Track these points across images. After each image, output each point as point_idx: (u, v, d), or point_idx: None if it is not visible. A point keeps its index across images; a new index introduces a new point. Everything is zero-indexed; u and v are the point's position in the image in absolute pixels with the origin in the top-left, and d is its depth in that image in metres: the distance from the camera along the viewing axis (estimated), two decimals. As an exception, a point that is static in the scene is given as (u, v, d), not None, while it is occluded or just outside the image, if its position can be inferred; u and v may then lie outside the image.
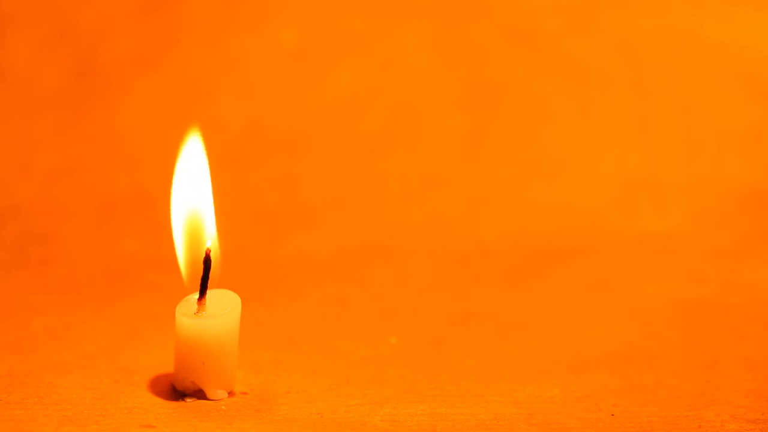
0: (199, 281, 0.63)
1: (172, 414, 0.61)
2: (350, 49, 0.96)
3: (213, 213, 0.64)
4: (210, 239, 0.64)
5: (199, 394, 0.63)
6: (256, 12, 0.96)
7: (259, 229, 0.87)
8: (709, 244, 0.87)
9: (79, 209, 0.87)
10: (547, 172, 0.93)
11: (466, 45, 0.96)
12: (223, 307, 0.63)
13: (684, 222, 0.90)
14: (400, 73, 0.96)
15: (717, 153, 0.94)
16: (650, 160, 0.93)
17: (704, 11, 0.97)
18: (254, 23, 0.96)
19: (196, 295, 0.63)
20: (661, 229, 0.89)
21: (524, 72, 0.96)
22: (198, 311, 0.62)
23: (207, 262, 0.63)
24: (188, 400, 0.63)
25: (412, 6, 0.97)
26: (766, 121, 0.95)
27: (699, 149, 0.94)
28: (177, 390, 0.63)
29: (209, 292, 0.63)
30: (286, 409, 0.62)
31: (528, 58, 0.96)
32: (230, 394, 0.63)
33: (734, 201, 0.91)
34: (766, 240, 0.88)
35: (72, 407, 0.61)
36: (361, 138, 0.94)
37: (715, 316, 0.76)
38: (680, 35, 0.97)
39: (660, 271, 0.83)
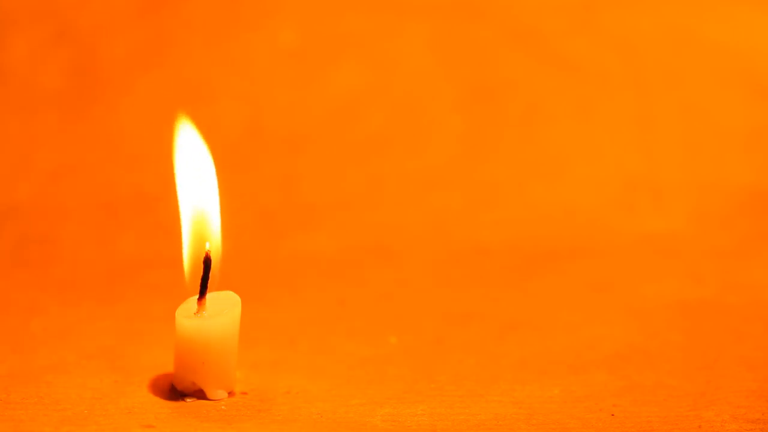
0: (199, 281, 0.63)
1: (172, 414, 0.61)
2: (350, 49, 0.96)
3: (218, 213, 0.64)
4: (211, 240, 0.64)
5: (199, 394, 0.63)
6: (256, 12, 0.96)
7: (259, 229, 0.87)
8: (709, 244, 0.87)
9: (79, 209, 0.87)
10: (547, 172, 0.93)
11: (466, 45, 0.96)
12: (223, 307, 0.63)
13: (684, 222, 0.90)
14: (400, 73, 0.96)
15: (717, 153, 0.94)
16: (650, 160, 0.93)
17: (704, 11, 0.97)
18: (254, 23, 0.96)
19: (197, 297, 0.63)
20: (661, 229, 0.89)
21: (524, 72, 0.96)
22: (198, 311, 0.62)
23: (207, 262, 0.63)
24: (188, 400, 0.63)
25: (412, 6, 0.97)
26: (766, 121, 0.95)
27: (699, 149, 0.94)
28: (177, 390, 0.63)
29: (209, 293, 0.63)
30: (286, 409, 0.62)
31: (528, 58, 0.96)
32: (230, 394, 0.63)
33: (734, 201, 0.91)
34: (766, 240, 0.88)
35: (72, 407, 0.61)
36: (361, 138, 0.94)
37: (715, 316, 0.76)
38: (680, 35, 0.97)
39: (660, 271, 0.83)
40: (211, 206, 0.64)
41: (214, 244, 0.64)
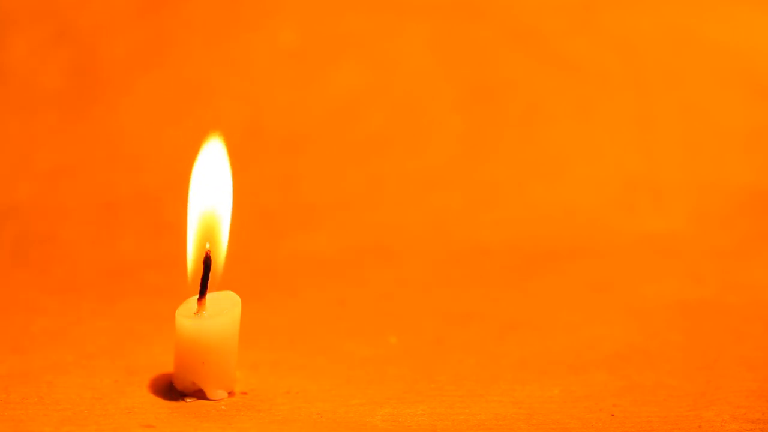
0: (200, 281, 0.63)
1: (172, 414, 0.61)
2: (350, 49, 0.96)
3: (229, 217, 0.64)
4: (215, 241, 0.64)
5: (199, 394, 0.63)
6: (256, 12, 0.96)
7: (259, 229, 0.87)
8: (709, 244, 0.87)
9: (79, 209, 0.87)
10: (547, 172, 0.93)
11: (466, 45, 0.96)
12: (223, 307, 0.63)
13: (684, 222, 0.90)
14: (400, 73, 0.96)
15: (717, 153, 0.94)
16: (650, 160, 0.93)
17: (704, 11, 0.97)
18: (254, 23, 0.96)
19: (197, 297, 0.63)
20: (661, 229, 0.89)
21: (524, 72, 0.96)
22: (198, 311, 0.62)
23: (207, 262, 0.63)
24: (188, 400, 0.63)
25: (412, 6, 0.97)
26: (766, 121, 0.95)
27: (699, 149, 0.94)
28: (177, 390, 0.63)
29: (209, 293, 0.63)
30: (286, 409, 0.62)
31: (528, 58, 0.96)
32: (230, 394, 0.63)
33: (734, 201, 0.91)
34: (766, 240, 0.88)
35: (72, 407, 0.61)
36: (361, 138, 0.94)
37: (715, 316, 0.76)
38: (680, 35, 0.97)
39: (660, 271, 0.83)
40: (223, 209, 0.64)
41: (218, 245, 0.64)
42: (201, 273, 0.63)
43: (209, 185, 0.64)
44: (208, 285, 0.63)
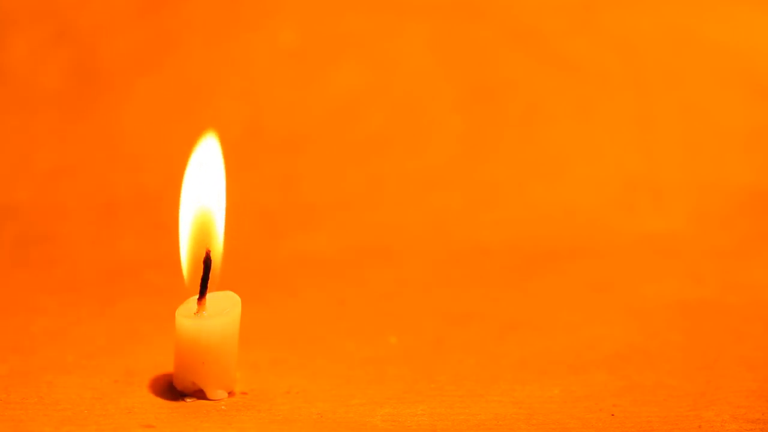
0: (199, 282, 0.63)
1: (172, 414, 0.61)
2: (350, 49, 0.96)
3: (223, 215, 0.64)
4: (215, 240, 0.64)
5: (199, 394, 0.63)
6: (256, 12, 0.96)
7: (259, 229, 0.87)
8: (709, 244, 0.87)
9: (79, 209, 0.87)
10: (547, 172, 0.93)
11: (466, 45, 0.96)
12: (223, 307, 0.63)
13: (684, 222, 0.90)
14: (400, 73, 0.96)
15: (717, 153, 0.94)
16: (650, 160, 0.93)
17: (704, 11, 0.97)
18: (254, 23, 0.96)
19: (197, 297, 0.63)
20: (661, 229, 0.89)
21: (524, 72, 0.96)
22: (198, 311, 0.62)
23: (207, 262, 0.63)
24: (188, 400, 0.63)
25: (412, 6, 0.97)
26: (766, 121, 0.95)
27: (699, 149, 0.94)
28: (177, 390, 0.63)
29: (209, 293, 0.63)
30: (286, 409, 0.62)
31: (528, 58, 0.96)
32: (230, 394, 0.63)
33: (734, 201, 0.91)
34: (766, 240, 0.88)
35: (72, 407, 0.61)
36: (361, 138, 0.94)
37: (715, 316, 0.76)
38: (680, 35, 0.97)
39: (660, 271, 0.83)
40: (217, 207, 0.64)
41: (215, 244, 0.64)
42: (199, 273, 0.63)
43: (203, 184, 0.64)
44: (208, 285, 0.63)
